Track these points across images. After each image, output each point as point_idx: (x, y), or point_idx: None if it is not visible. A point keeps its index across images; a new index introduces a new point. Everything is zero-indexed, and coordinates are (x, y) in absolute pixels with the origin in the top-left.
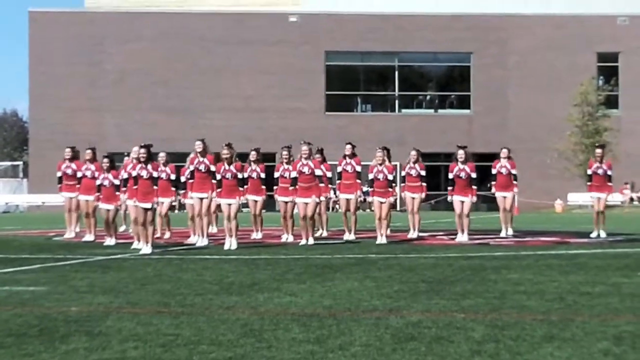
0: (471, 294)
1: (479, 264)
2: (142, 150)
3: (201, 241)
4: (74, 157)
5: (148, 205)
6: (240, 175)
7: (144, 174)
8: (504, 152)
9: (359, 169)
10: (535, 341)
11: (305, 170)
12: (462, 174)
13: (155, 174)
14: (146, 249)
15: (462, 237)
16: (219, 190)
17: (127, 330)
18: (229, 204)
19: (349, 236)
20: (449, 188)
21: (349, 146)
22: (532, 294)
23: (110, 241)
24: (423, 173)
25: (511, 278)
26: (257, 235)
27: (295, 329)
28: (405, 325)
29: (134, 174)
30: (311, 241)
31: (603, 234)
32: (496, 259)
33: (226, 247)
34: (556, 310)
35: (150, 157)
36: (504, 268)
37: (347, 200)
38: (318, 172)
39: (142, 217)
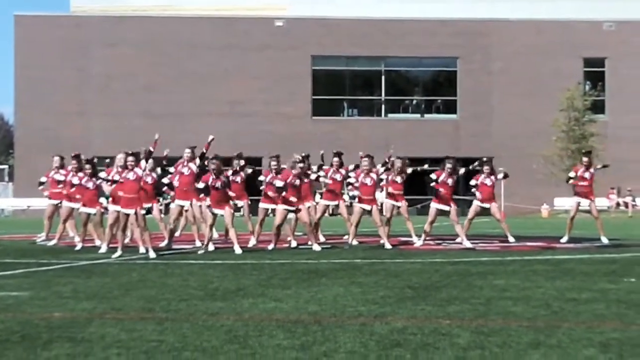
0: (457, 300)
1: (465, 269)
2: (130, 159)
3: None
4: (62, 165)
5: (131, 211)
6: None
7: (130, 176)
8: (486, 169)
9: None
10: (521, 348)
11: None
12: (450, 181)
13: (148, 179)
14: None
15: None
16: (204, 198)
17: (110, 337)
18: (222, 215)
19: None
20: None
21: (336, 159)
22: (518, 300)
23: (104, 247)
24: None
25: (497, 284)
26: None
27: (280, 335)
28: (391, 332)
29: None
30: (316, 247)
31: (605, 240)
32: (482, 264)
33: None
34: (542, 317)
35: (138, 162)
36: (490, 274)
37: (329, 207)
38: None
39: (123, 222)
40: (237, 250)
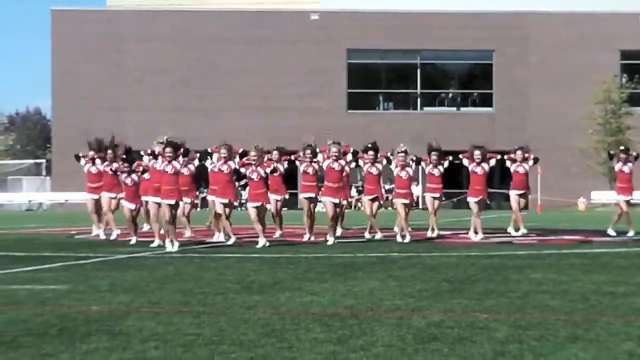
0: (494, 294)
1: (501, 263)
2: (168, 149)
3: (217, 237)
4: (99, 150)
5: (172, 202)
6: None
7: (169, 169)
8: (518, 155)
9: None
10: (559, 342)
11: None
12: (479, 170)
13: (184, 171)
14: (171, 246)
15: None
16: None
17: (147, 330)
18: (255, 207)
19: (378, 235)
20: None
21: (371, 152)
22: (555, 293)
23: (133, 240)
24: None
25: (534, 277)
26: (277, 234)
27: (317, 329)
28: (428, 326)
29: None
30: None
31: (613, 232)
32: (518, 257)
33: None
34: (580, 311)
35: (177, 155)
36: (526, 267)
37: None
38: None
39: (168, 214)
40: (261, 242)
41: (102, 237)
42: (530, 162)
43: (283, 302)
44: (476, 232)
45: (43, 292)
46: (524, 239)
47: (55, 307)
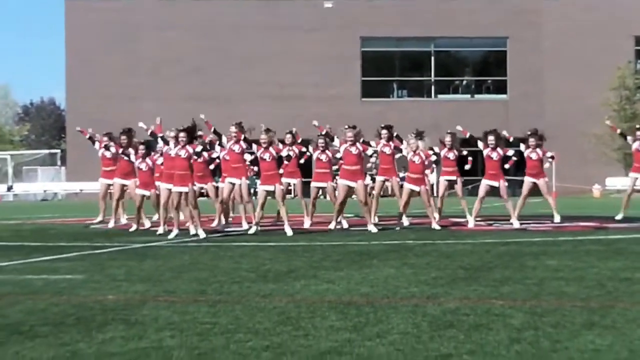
0: (509, 281)
1: (517, 250)
2: (182, 134)
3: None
4: (112, 140)
5: (185, 189)
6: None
7: (182, 153)
8: (531, 141)
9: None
10: (575, 328)
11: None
12: (494, 155)
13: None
14: (198, 231)
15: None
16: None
17: (163, 319)
18: (270, 191)
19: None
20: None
21: (384, 131)
22: (571, 280)
23: (134, 227)
24: (433, 159)
25: (550, 264)
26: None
27: (333, 317)
28: (443, 313)
29: (172, 153)
30: (373, 228)
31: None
32: (534, 244)
33: (289, 233)
34: (596, 297)
35: (192, 140)
36: (542, 254)
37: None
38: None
39: (176, 201)
40: (288, 231)
41: (111, 225)
42: (547, 165)
43: (298, 290)
44: (476, 218)
45: (59, 282)
46: (540, 226)
47: (72, 296)
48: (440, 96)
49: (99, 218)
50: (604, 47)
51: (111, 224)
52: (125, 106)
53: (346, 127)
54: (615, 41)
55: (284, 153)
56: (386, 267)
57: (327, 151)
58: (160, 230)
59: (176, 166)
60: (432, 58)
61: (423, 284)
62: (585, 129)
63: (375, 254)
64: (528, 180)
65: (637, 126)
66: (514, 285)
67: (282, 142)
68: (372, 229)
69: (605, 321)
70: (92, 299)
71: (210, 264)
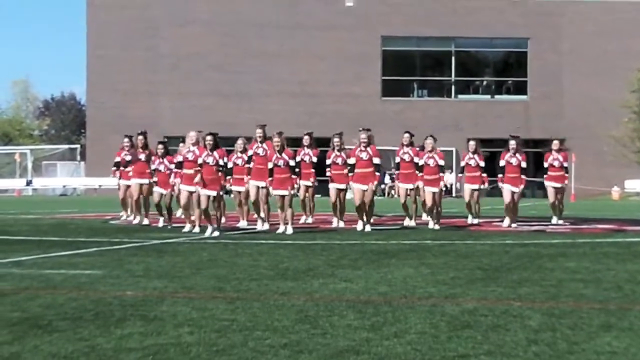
0: (528, 282)
1: (535, 251)
2: (209, 137)
3: (262, 226)
4: (132, 146)
5: (213, 193)
6: (293, 162)
7: (210, 160)
8: (555, 144)
9: (416, 159)
10: (592, 330)
11: (363, 156)
12: (513, 161)
13: (221, 162)
14: (213, 232)
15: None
16: (270, 179)
17: (182, 315)
18: (282, 196)
19: (408, 222)
20: (499, 175)
21: (407, 135)
22: (589, 282)
23: (144, 222)
24: (482, 164)
25: (568, 266)
26: (308, 220)
27: (351, 316)
28: (461, 313)
29: (200, 160)
30: (368, 228)
31: None
32: (553, 246)
33: (280, 231)
34: (613, 299)
35: (217, 145)
36: (560, 256)
37: (407, 190)
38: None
39: (205, 204)
40: (289, 230)
41: (135, 222)
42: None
43: (317, 289)
44: (476, 216)
45: (78, 277)
46: (559, 227)
47: (91, 291)
48: (460, 96)
49: (126, 216)
50: (624, 49)
51: (136, 221)
52: (145, 102)
53: (360, 129)
54: (636, 43)
55: (298, 158)
56: (404, 266)
57: (342, 152)
58: (187, 228)
59: (204, 172)
60: (453, 58)
61: (441, 284)
62: (604, 131)
63: (393, 253)
64: (551, 186)
65: None
66: (532, 287)
67: (298, 141)
68: (360, 226)
69: (623, 323)
70: (110, 294)
71: (229, 261)
